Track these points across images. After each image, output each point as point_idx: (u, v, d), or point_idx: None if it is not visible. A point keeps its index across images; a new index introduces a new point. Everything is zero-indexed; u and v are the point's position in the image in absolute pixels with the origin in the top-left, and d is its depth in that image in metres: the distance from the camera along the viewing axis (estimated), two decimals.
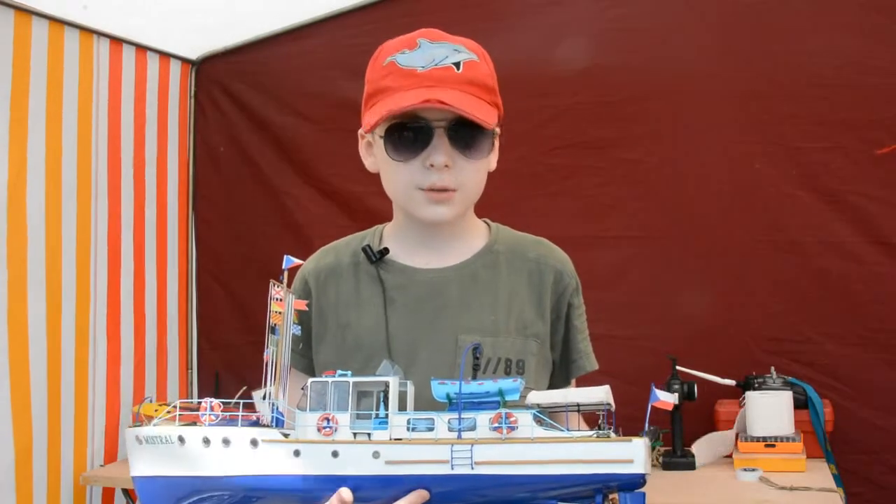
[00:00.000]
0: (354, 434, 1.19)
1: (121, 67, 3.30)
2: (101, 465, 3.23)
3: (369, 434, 1.19)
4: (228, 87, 3.66)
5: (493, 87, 1.46)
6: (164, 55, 3.52)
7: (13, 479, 2.86)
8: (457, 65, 1.41)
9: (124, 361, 3.35)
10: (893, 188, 3.02)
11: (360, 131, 1.51)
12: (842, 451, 2.99)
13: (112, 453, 3.29)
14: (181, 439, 1.22)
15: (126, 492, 3.23)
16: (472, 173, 1.45)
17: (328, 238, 1.64)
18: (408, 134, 1.40)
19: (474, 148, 1.42)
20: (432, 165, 1.40)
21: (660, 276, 3.22)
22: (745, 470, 2.80)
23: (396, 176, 1.44)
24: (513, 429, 1.15)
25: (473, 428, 1.16)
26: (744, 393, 2.97)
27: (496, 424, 1.16)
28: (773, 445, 2.85)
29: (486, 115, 1.40)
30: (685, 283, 3.19)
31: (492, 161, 1.49)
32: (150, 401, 3.30)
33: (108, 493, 3.31)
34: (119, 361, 3.32)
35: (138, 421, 1.30)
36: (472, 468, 1.15)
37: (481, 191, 1.50)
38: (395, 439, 1.18)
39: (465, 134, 1.41)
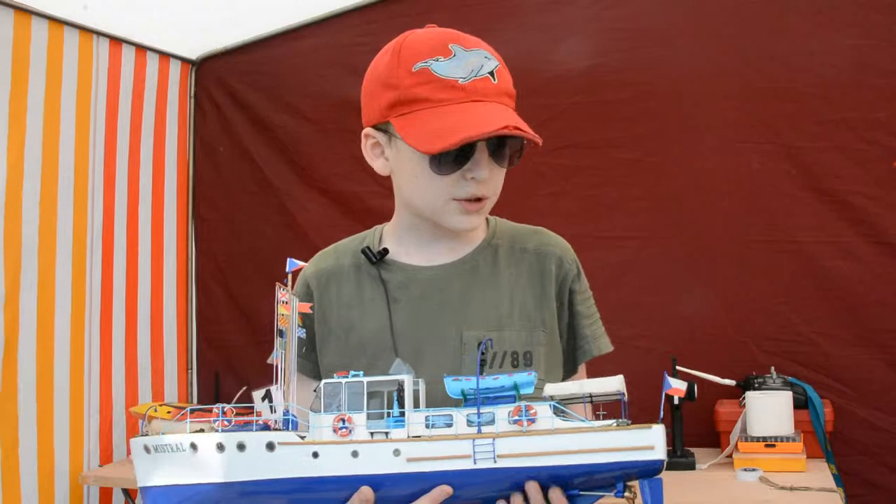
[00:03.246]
0: (371, 434, 1.18)
1: (120, 67, 3.30)
2: (99, 466, 3.23)
3: (386, 433, 1.18)
4: (228, 87, 3.66)
5: (514, 93, 1.44)
6: (164, 55, 3.52)
7: None
8: (492, 74, 1.38)
9: (120, 362, 3.35)
10: (894, 188, 3.01)
11: (366, 130, 1.46)
12: (841, 452, 2.99)
13: (108, 453, 3.29)
14: (193, 446, 1.19)
15: (126, 491, 3.23)
16: (500, 181, 1.44)
17: (328, 238, 1.64)
18: (455, 150, 1.35)
19: (510, 160, 1.42)
20: (473, 178, 1.39)
21: (660, 276, 3.22)
22: (745, 470, 2.80)
23: (433, 187, 1.40)
24: (533, 421, 1.15)
25: (493, 422, 1.16)
26: (744, 393, 2.97)
27: (516, 417, 1.15)
28: (773, 445, 2.85)
29: (533, 131, 1.38)
30: (685, 284, 3.18)
31: None
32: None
33: (105, 493, 3.30)
34: (114, 362, 3.32)
35: (142, 432, 1.28)
36: (495, 462, 1.14)
37: None
38: (414, 436, 1.17)
39: (504, 147, 1.40)
